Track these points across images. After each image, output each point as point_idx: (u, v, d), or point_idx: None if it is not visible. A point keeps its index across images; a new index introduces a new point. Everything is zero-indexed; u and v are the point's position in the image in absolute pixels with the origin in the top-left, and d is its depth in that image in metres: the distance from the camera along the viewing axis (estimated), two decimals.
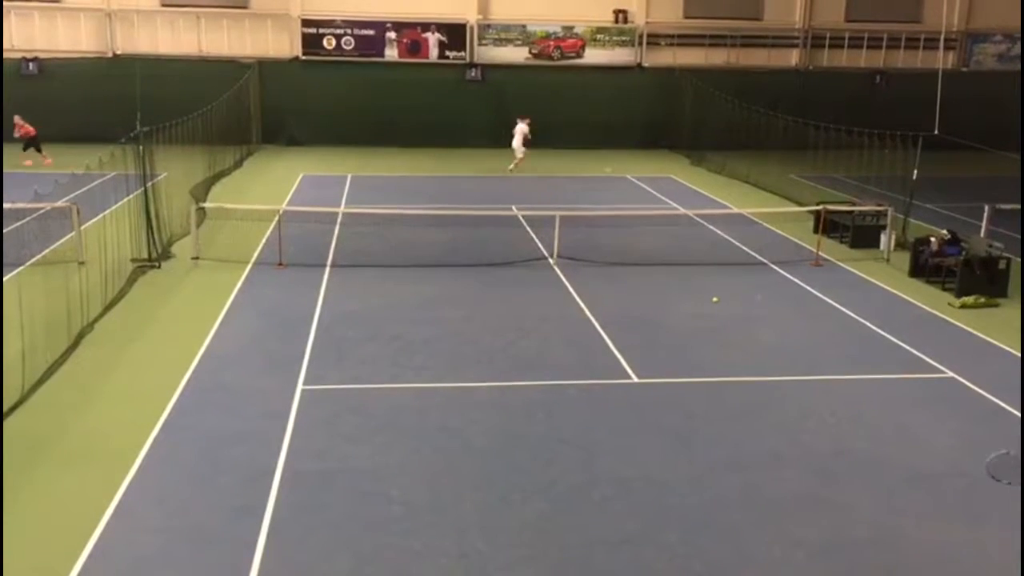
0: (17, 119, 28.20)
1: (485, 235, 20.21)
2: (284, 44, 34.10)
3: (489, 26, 34.93)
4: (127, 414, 10.99)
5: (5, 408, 10.58)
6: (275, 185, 26.23)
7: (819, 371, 12.97)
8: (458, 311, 15.30)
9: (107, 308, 14.70)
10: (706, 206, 24.45)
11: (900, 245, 19.51)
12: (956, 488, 9.67)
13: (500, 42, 35.07)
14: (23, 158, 27.62)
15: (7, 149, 26.26)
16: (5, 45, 31.72)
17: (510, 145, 29.73)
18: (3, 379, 10.89)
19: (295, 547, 8.31)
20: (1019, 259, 17.57)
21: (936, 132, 20.35)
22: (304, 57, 34.12)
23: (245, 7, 33.76)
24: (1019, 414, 11.51)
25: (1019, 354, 13.77)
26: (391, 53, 34.57)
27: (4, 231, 15.93)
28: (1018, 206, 19.07)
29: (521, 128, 29.44)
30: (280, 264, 17.52)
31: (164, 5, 33.29)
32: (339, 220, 20.88)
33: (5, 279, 14.97)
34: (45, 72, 32.58)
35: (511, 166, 29.51)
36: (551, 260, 18.39)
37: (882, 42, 36.74)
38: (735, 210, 23.08)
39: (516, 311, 15.42)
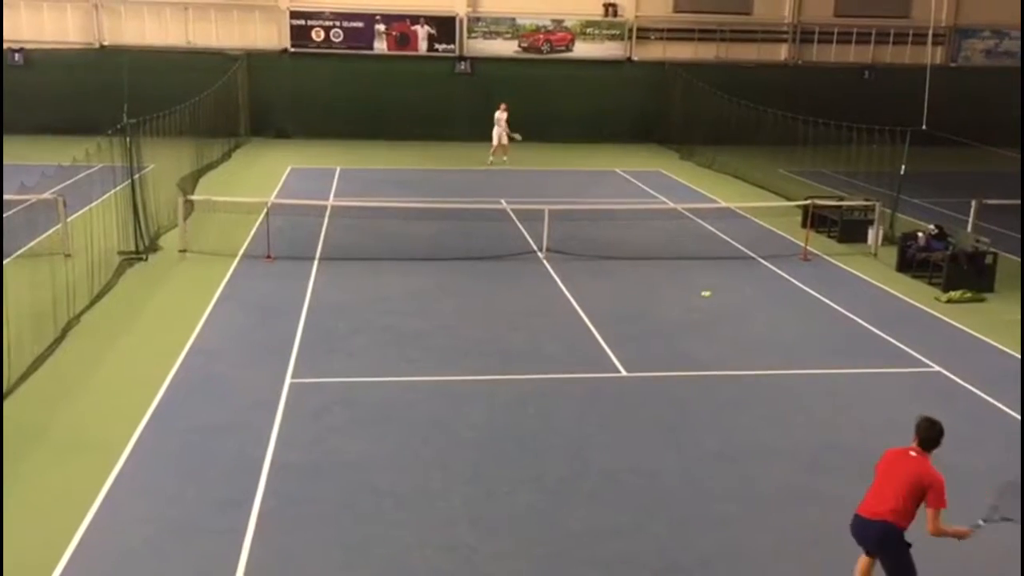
0: None
1: (474, 228, 20.17)
2: (272, 36, 33.93)
3: (478, 19, 34.84)
4: (114, 406, 10.94)
5: None
6: (263, 178, 26.10)
7: (808, 364, 13.01)
8: (447, 304, 15.28)
9: (94, 301, 14.62)
10: (695, 200, 24.47)
11: (887, 240, 19.56)
12: (947, 480, 9.69)
13: (489, 35, 34.99)
14: None
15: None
16: None
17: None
18: (3, 370, 10.85)
19: (283, 539, 8.28)
20: (1005, 254, 17.67)
21: (924, 127, 20.43)
22: (292, 49, 33.94)
23: None
24: (1006, 408, 11.58)
25: (1005, 348, 13.85)
26: (380, 46, 34.43)
27: None
28: (1005, 201, 19.17)
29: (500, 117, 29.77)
30: (268, 257, 17.45)
31: None
32: (328, 213, 20.81)
33: None
34: (31, 63, 32.34)
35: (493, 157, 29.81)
36: (540, 254, 18.38)
37: (870, 37, 36.83)
38: (724, 204, 23.10)
39: (505, 305, 15.42)
